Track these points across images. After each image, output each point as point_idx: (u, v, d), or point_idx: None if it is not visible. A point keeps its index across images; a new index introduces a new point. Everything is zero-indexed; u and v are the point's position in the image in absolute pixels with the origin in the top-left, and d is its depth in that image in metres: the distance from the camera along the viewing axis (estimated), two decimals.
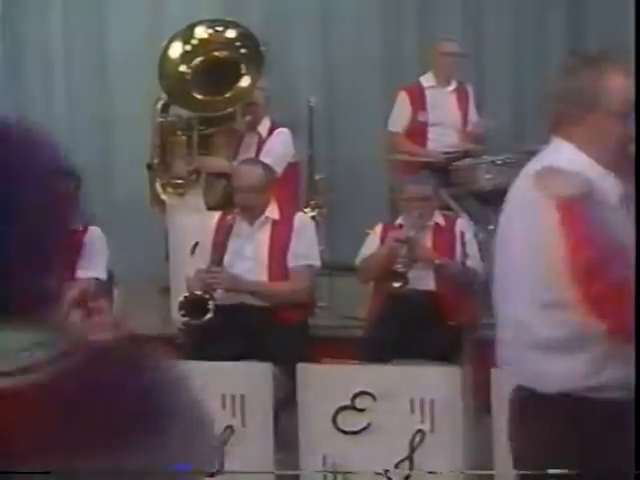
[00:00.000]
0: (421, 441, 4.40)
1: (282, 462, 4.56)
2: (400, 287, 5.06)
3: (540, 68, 7.11)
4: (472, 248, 5.25)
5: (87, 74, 7.40)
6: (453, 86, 6.63)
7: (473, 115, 6.69)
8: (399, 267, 5.06)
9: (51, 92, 7.48)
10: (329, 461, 4.51)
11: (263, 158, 5.88)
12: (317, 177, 6.41)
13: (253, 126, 6.25)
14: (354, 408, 4.47)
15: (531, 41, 7.48)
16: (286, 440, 4.61)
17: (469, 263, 5.17)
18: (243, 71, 6.32)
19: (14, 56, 7.38)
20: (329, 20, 7.45)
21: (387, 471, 4.36)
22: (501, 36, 7.43)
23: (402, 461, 4.42)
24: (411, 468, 4.45)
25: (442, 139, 6.62)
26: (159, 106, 6.38)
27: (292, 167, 6.25)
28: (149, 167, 6.42)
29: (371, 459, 4.41)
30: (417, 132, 6.64)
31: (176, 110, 6.45)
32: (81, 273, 5.15)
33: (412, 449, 4.40)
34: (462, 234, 5.31)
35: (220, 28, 6.50)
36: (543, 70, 6.99)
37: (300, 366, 4.49)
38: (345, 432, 4.49)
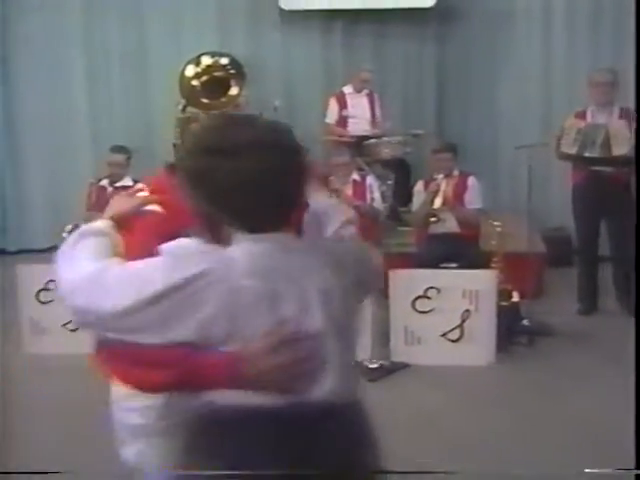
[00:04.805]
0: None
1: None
2: None
3: (419, 83, 8.73)
4: (377, 195, 6.29)
5: (138, 91, 8.50)
6: (364, 93, 7.84)
7: (378, 111, 7.88)
8: None
9: (112, 97, 8.61)
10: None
11: None
12: None
13: None
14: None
15: (414, 70, 8.69)
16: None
17: (375, 204, 6.19)
18: (232, 84, 6.59)
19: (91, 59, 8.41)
20: (289, 51, 8.54)
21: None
22: (397, 65, 8.65)
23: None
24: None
25: (357, 127, 7.76)
26: (180, 107, 6.48)
27: None
28: (174, 146, 7.37)
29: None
30: (342, 122, 7.84)
31: (190, 109, 7.28)
32: None
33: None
34: (370, 186, 6.33)
35: (218, 57, 6.66)
36: (421, 84, 8.74)
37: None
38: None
